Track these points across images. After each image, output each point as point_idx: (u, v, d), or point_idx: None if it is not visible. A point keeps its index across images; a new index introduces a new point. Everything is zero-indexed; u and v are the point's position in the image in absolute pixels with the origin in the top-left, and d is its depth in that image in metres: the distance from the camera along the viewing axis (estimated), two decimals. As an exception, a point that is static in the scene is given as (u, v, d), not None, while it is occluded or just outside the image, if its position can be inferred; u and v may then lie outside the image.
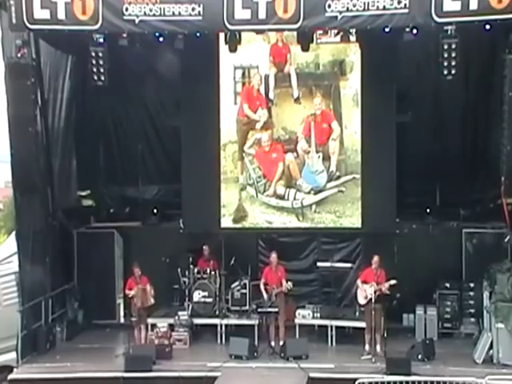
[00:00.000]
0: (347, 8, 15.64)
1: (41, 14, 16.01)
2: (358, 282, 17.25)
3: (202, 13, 15.91)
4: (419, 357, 16.40)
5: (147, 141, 20.60)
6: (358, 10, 15.64)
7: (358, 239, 19.43)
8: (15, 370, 16.58)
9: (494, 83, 18.05)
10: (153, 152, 20.74)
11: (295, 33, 17.10)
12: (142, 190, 20.58)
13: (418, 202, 19.21)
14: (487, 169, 18.84)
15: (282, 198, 19.32)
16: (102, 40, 16.59)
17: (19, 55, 16.65)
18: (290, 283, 17.54)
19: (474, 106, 19.34)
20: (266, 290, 17.47)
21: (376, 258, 17.07)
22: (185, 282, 18.66)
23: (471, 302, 18.40)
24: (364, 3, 15.52)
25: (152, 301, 17.58)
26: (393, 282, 16.81)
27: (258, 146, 19.34)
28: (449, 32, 15.85)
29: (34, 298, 17.34)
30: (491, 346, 16.38)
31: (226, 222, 19.54)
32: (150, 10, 16.00)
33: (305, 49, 17.80)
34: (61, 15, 15.98)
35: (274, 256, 17.81)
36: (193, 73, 19.13)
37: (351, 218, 19.08)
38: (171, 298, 19.34)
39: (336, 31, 17.73)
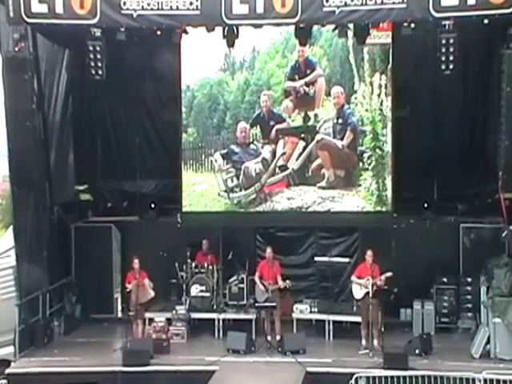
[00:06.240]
0: (345, 3, 15.64)
1: (38, 7, 16.00)
2: (353, 277, 17.26)
3: (199, 7, 15.93)
4: (416, 351, 16.42)
5: (145, 135, 20.58)
6: (355, 5, 15.65)
7: (356, 234, 19.45)
8: (13, 363, 16.62)
9: (492, 78, 18.08)
10: (151, 146, 20.72)
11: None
12: (140, 184, 20.54)
13: (415, 197, 19.17)
14: (485, 164, 18.83)
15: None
16: (99, 34, 16.60)
17: (17, 49, 16.61)
18: (288, 281, 17.58)
19: (472, 101, 19.30)
20: (261, 284, 17.52)
21: (370, 252, 17.08)
22: (182, 277, 18.67)
23: (468, 297, 18.41)
24: (362, -3, 15.58)
25: (152, 293, 17.58)
26: (389, 274, 16.82)
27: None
28: (447, 27, 15.86)
29: (32, 292, 17.37)
30: (488, 341, 16.40)
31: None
32: (148, 5, 16.00)
33: (303, 43, 17.85)
34: (59, 9, 15.98)
35: (269, 251, 17.84)
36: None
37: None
38: (169, 293, 19.36)
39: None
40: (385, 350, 16.27)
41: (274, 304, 17.36)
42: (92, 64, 16.94)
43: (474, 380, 14.81)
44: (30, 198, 17.40)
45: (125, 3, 16.03)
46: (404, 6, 15.49)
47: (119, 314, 19.82)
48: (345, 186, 19.11)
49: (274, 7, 15.79)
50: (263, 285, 17.50)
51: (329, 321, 17.86)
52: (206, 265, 18.65)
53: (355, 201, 19.02)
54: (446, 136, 19.20)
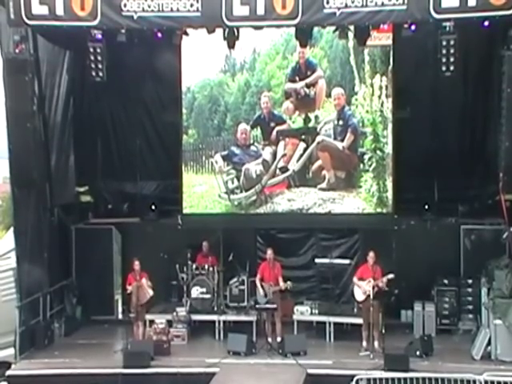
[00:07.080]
0: (346, 4, 15.69)
1: (39, 9, 16.04)
2: (355, 278, 17.25)
3: (200, 9, 15.97)
4: (417, 353, 16.41)
5: (145, 136, 20.56)
6: (356, 7, 15.69)
7: (357, 235, 19.45)
8: (13, 365, 16.62)
9: (493, 79, 18.06)
10: (151, 147, 20.69)
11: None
12: (141, 185, 20.53)
13: (416, 198, 19.14)
14: (485, 165, 18.81)
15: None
16: (100, 36, 16.62)
17: (17, 51, 16.63)
18: (289, 283, 17.58)
19: (473, 103, 19.28)
20: (261, 286, 17.52)
21: (372, 254, 17.08)
22: (183, 278, 18.67)
23: (469, 299, 18.40)
24: (362, -1, 15.59)
25: (151, 292, 17.54)
26: (390, 276, 16.82)
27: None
28: (447, 28, 15.89)
29: (32, 294, 17.35)
30: (489, 343, 16.40)
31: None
32: (149, 6, 16.03)
33: (303, 45, 17.86)
34: (59, 11, 16.02)
35: (270, 252, 17.86)
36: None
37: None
38: (169, 294, 19.37)
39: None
40: (385, 351, 16.25)
41: (275, 306, 17.36)
42: (92, 65, 16.98)
43: (474, 382, 14.76)
44: (31, 199, 17.39)
45: (125, 5, 16.06)
46: (404, 7, 15.52)
47: (120, 316, 19.79)
48: (345, 187, 19.11)
49: (274, 9, 15.83)
50: (263, 288, 17.51)
51: (329, 322, 17.85)
52: (206, 266, 18.65)
53: (356, 202, 19.02)
54: (446, 137, 19.19)
